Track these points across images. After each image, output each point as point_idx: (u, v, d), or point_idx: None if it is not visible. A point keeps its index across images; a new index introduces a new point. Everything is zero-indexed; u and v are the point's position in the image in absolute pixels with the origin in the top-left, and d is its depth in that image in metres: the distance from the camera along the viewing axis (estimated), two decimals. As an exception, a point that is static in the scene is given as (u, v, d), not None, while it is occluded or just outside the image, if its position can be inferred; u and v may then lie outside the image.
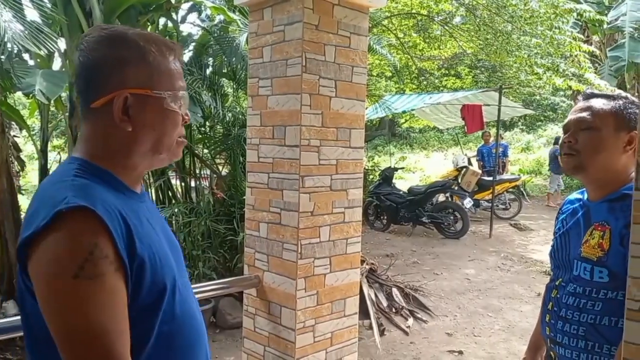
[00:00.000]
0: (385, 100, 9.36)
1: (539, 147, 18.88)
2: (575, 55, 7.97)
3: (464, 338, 4.29)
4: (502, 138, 12.07)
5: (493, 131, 10.78)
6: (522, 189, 11.39)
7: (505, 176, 10.00)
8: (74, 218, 0.84)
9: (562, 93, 18.17)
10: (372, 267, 5.04)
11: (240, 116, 5.35)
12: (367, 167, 10.06)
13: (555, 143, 11.00)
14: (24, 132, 8.78)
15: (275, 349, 2.46)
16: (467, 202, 8.86)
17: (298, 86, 2.31)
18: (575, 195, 1.62)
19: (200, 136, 5.70)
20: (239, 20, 4.87)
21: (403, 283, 5.21)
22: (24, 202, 7.59)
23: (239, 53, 5.08)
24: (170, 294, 0.96)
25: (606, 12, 10.64)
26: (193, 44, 6.34)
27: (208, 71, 5.87)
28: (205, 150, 5.85)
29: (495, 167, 9.18)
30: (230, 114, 5.43)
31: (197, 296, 1.16)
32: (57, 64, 6.04)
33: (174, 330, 0.97)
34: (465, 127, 9.81)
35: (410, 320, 4.56)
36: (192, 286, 1.13)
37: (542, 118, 21.07)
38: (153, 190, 5.57)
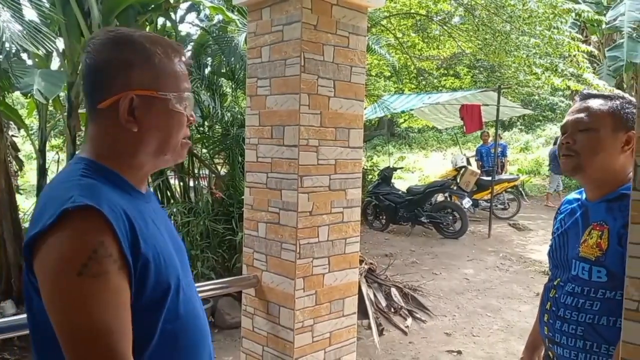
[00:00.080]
0: (384, 100, 9.37)
1: (538, 147, 18.89)
2: (574, 55, 7.98)
3: (462, 338, 4.29)
4: (501, 138, 12.09)
5: (492, 131, 10.79)
6: (520, 189, 11.40)
7: (504, 176, 10.01)
8: (80, 217, 0.85)
9: (560, 93, 18.18)
10: (371, 267, 5.04)
11: (238, 116, 5.35)
12: (365, 167, 10.06)
13: (555, 143, 11.01)
14: (22, 132, 8.79)
15: (273, 348, 2.46)
16: (466, 202, 8.86)
17: (297, 86, 2.31)
18: (573, 195, 1.62)
19: (199, 136, 5.69)
20: (238, 20, 4.87)
21: (402, 283, 5.21)
22: (22, 202, 7.59)
23: (238, 53, 5.07)
24: (174, 293, 0.97)
25: (605, 12, 10.64)
26: (192, 43, 6.34)
27: (207, 71, 5.87)
28: (204, 150, 5.85)
29: (494, 167, 9.19)
30: (228, 114, 5.42)
31: (196, 296, 1.16)
32: (55, 64, 6.04)
33: (178, 330, 0.98)
34: (464, 127, 9.82)
35: (409, 320, 4.56)
36: (191, 286, 1.14)
37: (540, 118, 21.08)
38: (151, 190, 5.56)
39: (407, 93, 11.85)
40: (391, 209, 8.41)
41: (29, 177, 11.53)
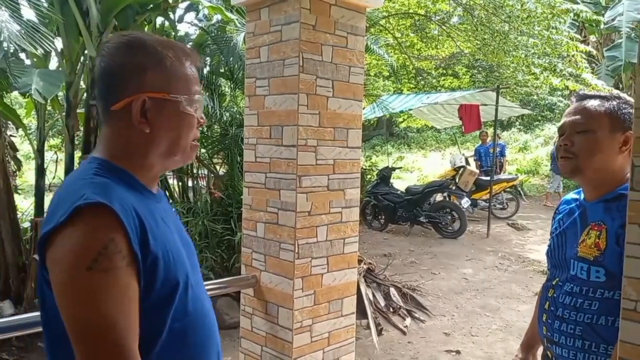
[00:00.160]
0: (383, 100, 9.37)
1: (537, 146, 18.89)
2: (573, 55, 7.99)
3: (461, 338, 4.30)
4: (500, 138, 12.10)
5: (490, 131, 10.81)
6: (519, 189, 11.41)
7: (502, 176, 10.02)
8: (92, 214, 0.88)
9: (559, 93, 18.19)
10: (369, 267, 5.04)
11: (237, 116, 5.34)
12: (364, 167, 10.07)
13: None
14: (21, 132, 8.77)
15: (272, 348, 2.46)
16: (465, 202, 8.87)
17: (295, 86, 2.31)
18: (571, 195, 1.62)
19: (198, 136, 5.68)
20: (237, 20, 4.86)
21: (401, 283, 5.21)
22: (20, 202, 7.58)
23: (237, 53, 5.07)
24: (183, 290, 0.99)
25: (603, 12, 10.67)
26: (190, 43, 6.33)
27: (205, 71, 5.86)
28: (203, 150, 5.84)
29: (493, 166, 9.20)
30: (227, 114, 5.42)
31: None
32: (53, 64, 6.03)
33: (187, 327, 1.00)
34: (463, 127, 9.83)
35: (408, 320, 4.56)
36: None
37: (539, 118, 21.08)
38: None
39: (406, 93, 11.86)
40: (390, 208, 8.41)
41: (27, 177, 11.52)
